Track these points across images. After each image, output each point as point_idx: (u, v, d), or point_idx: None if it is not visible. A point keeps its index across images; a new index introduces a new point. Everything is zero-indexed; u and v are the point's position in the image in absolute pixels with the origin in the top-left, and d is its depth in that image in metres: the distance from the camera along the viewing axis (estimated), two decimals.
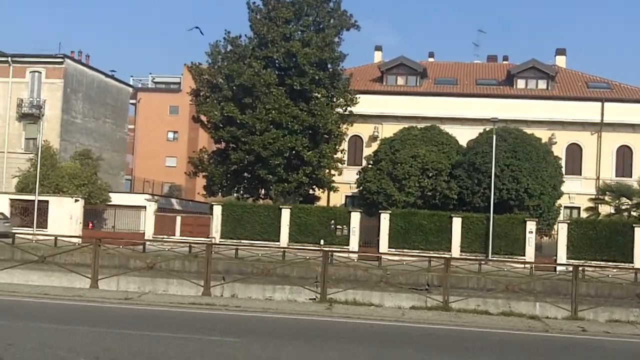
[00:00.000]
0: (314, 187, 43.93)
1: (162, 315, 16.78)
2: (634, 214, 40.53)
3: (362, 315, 17.70)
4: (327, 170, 42.86)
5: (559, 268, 32.14)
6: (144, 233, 40.07)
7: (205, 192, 44.79)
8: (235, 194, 44.48)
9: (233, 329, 15.08)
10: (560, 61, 54.95)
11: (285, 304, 20.92)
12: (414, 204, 39.65)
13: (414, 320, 17.32)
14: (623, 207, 41.46)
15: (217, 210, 39.71)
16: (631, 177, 45.30)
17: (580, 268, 27.92)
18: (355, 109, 44.42)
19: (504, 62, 56.57)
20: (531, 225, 37.38)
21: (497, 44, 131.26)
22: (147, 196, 45.26)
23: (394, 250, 36.70)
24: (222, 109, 41.20)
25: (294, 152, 40.65)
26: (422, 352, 13.24)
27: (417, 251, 36.41)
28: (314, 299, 21.55)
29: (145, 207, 41.49)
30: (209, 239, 36.31)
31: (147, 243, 34.12)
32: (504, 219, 37.73)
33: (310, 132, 41.67)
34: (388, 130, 45.72)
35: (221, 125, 41.85)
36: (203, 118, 43.84)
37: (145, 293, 22.07)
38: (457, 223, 37.78)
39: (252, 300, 21.71)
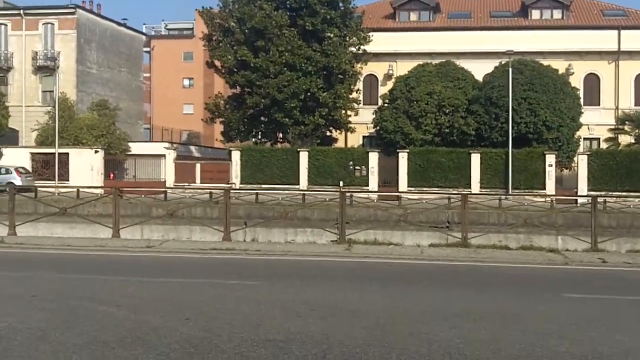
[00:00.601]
0: (331, 128, 43.87)
1: (183, 261, 17.03)
2: None
3: (382, 254, 17.85)
4: (343, 111, 42.74)
5: (580, 200, 31.99)
6: (165, 181, 40.29)
7: (223, 138, 44.89)
8: (253, 139, 44.48)
9: (253, 272, 15.27)
10: None
11: (305, 246, 21.13)
12: (432, 142, 39.52)
13: (432, 258, 17.46)
14: None
15: (236, 155, 39.83)
16: None
17: (601, 199, 28.03)
18: (369, 48, 43.98)
19: None
20: (551, 159, 37.23)
21: None
22: (166, 144, 45.46)
23: (413, 189, 36.77)
24: (236, 53, 40.99)
25: (309, 94, 40.46)
26: (440, 287, 13.37)
27: (437, 189, 36.36)
28: (335, 240, 21.70)
29: (164, 155, 41.67)
30: (229, 185, 36.52)
31: (169, 191, 34.32)
32: (523, 153, 37.59)
33: (324, 73, 41.40)
34: (403, 67, 45.31)
35: (235, 70, 41.71)
36: (217, 63, 43.65)
37: (167, 240, 22.38)
38: (475, 159, 37.71)
39: (272, 243, 21.93)
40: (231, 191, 26.14)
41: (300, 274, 15.02)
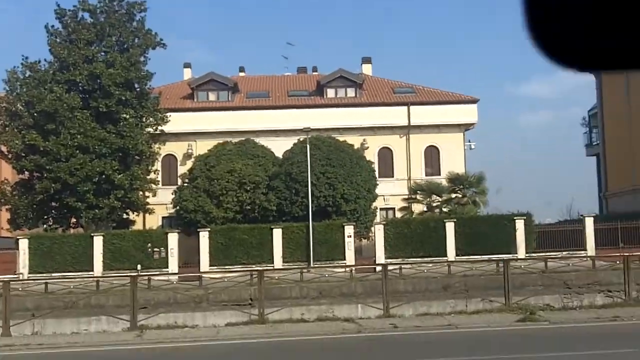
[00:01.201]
0: (128, 210, 42.56)
1: None
2: (444, 210, 42.20)
3: (176, 338, 17.13)
4: (141, 193, 41.74)
5: (378, 268, 32.70)
6: None
7: (9, 226, 42.28)
8: (43, 225, 42.22)
9: None
10: (367, 69, 56.44)
11: (94, 335, 19.93)
12: (234, 219, 39.27)
13: (228, 337, 16.97)
14: (434, 204, 43.04)
15: (24, 244, 37.39)
16: (440, 175, 47.11)
17: (397, 266, 28.82)
18: (167, 128, 43.52)
19: (314, 73, 57.42)
20: (349, 230, 37.98)
21: (306, 56, 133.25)
22: None
23: (215, 268, 36.11)
24: (24, 137, 39.17)
25: (103, 176, 39.14)
26: None
27: (240, 266, 35.94)
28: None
29: None
30: (16, 276, 34.20)
31: None
32: (323, 225, 38.12)
33: (120, 154, 40.33)
34: (202, 147, 45.09)
35: (23, 155, 39.77)
36: (3, 148, 41.49)
37: None
38: (277, 234, 37.76)
39: (56, 335, 20.51)
40: (17, 281, 24.38)
41: None
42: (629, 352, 12.31)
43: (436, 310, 24.45)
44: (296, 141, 42.06)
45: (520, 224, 37.94)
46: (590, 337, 15.29)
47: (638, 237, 37.04)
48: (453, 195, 42.80)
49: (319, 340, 15.94)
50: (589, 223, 38.33)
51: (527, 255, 35.59)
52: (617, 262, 25.40)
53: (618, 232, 37.74)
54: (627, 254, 28.22)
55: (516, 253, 36.11)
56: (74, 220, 41.97)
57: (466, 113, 50.18)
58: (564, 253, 35.49)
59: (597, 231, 37.74)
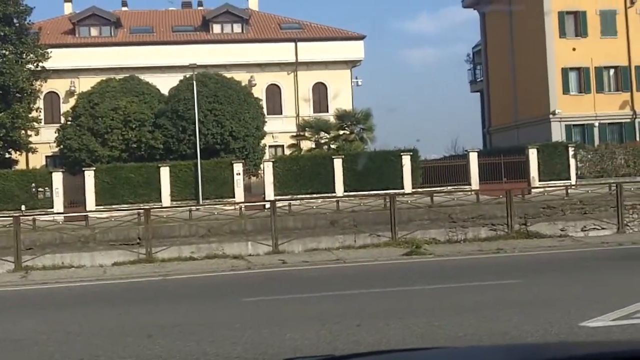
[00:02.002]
0: (10, 150, 41.23)
1: None
2: (332, 146, 42.73)
3: (61, 278, 16.92)
4: (23, 131, 40.42)
5: (267, 205, 32.93)
6: None
7: None
8: None
9: None
10: (253, 4, 55.76)
11: None
12: (119, 158, 38.61)
13: (115, 277, 16.90)
14: (322, 141, 43.54)
15: None
16: (327, 112, 47.60)
17: (286, 203, 29.19)
18: (49, 65, 42.02)
19: (199, 8, 56.33)
20: (238, 167, 38.00)
21: None
22: None
23: (102, 207, 35.56)
24: None
25: None
26: (119, 306, 12.86)
27: (127, 205, 35.48)
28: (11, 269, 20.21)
29: None
30: None
31: None
32: (211, 163, 37.97)
33: (0, 92, 38.89)
34: (86, 84, 43.79)
35: None
36: None
37: None
38: (165, 173, 37.40)
39: None
40: None
41: None
42: (512, 282, 13.02)
43: (325, 245, 24.87)
44: (182, 78, 41.42)
45: (406, 160, 38.79)
46: (473, 269, 16.04)
47: (520, 171, 38.58)
48: (341, 132, 43.36)
49: (208, 277, 16.10)
50: (473, 158, 39.37)
51: (413, 190, 36.42)
52: (500, 196, 26.41)
53: (501, 167, 38.87)
54: (509, 188, 29.47)
55: (403, 188, 37.01)
56: None
57: (353, 49, 50.53)
58: (449, 188, 36.44)
59: (481, 166, 38.90)
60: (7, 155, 41.49)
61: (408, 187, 37.70)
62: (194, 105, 37.78)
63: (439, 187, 36.79)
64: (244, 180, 38.52)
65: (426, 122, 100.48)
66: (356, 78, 52.08)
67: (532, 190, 34.99)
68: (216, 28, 50.68)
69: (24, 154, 42.47)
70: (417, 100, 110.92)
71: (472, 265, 16.66)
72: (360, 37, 51.06)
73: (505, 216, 22.16)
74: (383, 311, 10.72)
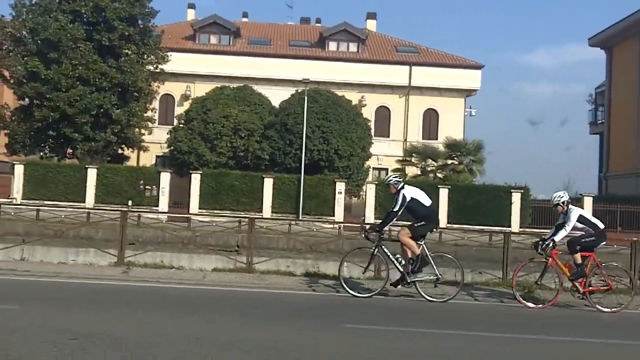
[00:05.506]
0: (123, 146, 42.64)
1: None
2: (439, 175, 42.22)
3: (162, 278, 17.10)
4: (137, 129, 41.73)
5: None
6: None
7: (6, 151, 42.37)
8: (39, 153, 42.37)
9: (15, 294, 14.04)
10: (371, 25, 56.13)
11: (80, 267, 19.85)
12: (226, 165, 39.35)
13: (214, 283, 16.95)
14: (429, 169, 43.09)
15: (19, 169, 37.75)
16: (437, 139, 47.21)
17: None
18: (167, 67, 43.35)
19: (317, 25, 57.05)
20: (340, 186, 38.05)
21: (310, 6, 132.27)
22: None
23: (204, 211, 36.15)
24: (26, 63, 39.21)
25: (102, 110, 39.32)
26: (215, 313, 12.86)
27: (228, 212, 36.02)
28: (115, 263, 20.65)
29: None
30: (9, 199, 34.38)
31: None
32: (314, 179, 38.17)
33: (119, 89, 40.39)
34: (200, 89, 44.98)
35: (25, 81, 39.75)
36: (5, 73, 41.40)
37: None
38: (268, 184, 37.80)
39: (43, 263, 20.44)
40: (10, 206, 24.36)
41: (65, 297, 13.97)
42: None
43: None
44: (294, 92, 41.97)
45: (516, 197, 37.85)
46: (597, 325, 15.08)
47: (637, 221, 36.81)
48: (449, 162, 42.74)
49: (311, 296, 16.01)
50: (588, 203, 37.39)
51: (520, 230, 35.05)
52: (615, 245, 25.07)
53: (617, 215, 37.19)
54: (635, 238, 27.77)
55: (509, 226, 35.84)
56: (69, 150, 42.18)
57: (469, 78, 49.99)
58: None
59: (594, 212, 37.33)
60: (120, 151, 42.89)
61: (515, 225, 36.64)
62: (303, 120, 38.10)
63: (548, 229, 35.42)
64: (344, 199, 38.50)
65: (537, 159, 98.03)
66: (470, 107, 51.45)
67: None
68: (332, 45, 51.11)
69: (135, 151, 43.83)
70: (529, 136, 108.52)
71: (595, 321, 15.42)
72: (479, 67, 50.42)
73: (623, 268, 20.10)
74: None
